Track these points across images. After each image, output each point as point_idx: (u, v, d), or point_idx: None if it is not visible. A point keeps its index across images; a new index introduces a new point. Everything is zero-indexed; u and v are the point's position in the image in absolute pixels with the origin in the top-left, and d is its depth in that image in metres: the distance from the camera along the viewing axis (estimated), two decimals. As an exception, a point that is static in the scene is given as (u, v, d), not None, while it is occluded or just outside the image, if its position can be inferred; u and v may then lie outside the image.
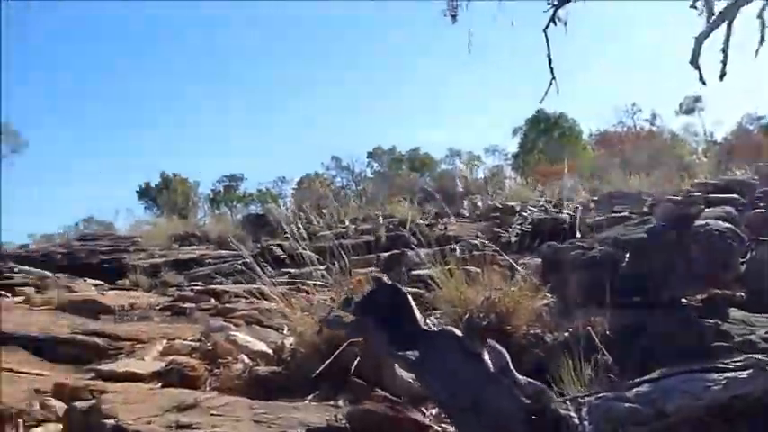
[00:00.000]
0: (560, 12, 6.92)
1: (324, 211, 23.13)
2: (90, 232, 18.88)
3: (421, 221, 16.06)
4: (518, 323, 3.96)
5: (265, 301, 7.70)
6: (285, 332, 5.58)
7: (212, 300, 7.91)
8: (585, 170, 24.72)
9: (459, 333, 2.09)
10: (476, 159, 39.38)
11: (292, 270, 11.38)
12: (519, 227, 5.42)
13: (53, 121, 48.61)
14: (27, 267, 12.11)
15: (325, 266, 11.13)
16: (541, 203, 17.65)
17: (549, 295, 4.33)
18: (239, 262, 12.88)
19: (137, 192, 39.14)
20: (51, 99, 48.89)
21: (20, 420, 3.27)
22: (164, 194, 38.45)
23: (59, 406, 3.44)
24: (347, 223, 19.31)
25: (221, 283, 10.82)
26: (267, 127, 54.47)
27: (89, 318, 6.70)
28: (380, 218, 19.30)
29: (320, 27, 53.87)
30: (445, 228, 12.36)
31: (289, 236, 17.00)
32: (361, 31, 55.28)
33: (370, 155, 35.71)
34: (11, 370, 4.05)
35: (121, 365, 4.23)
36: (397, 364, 2.80)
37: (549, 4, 7.00)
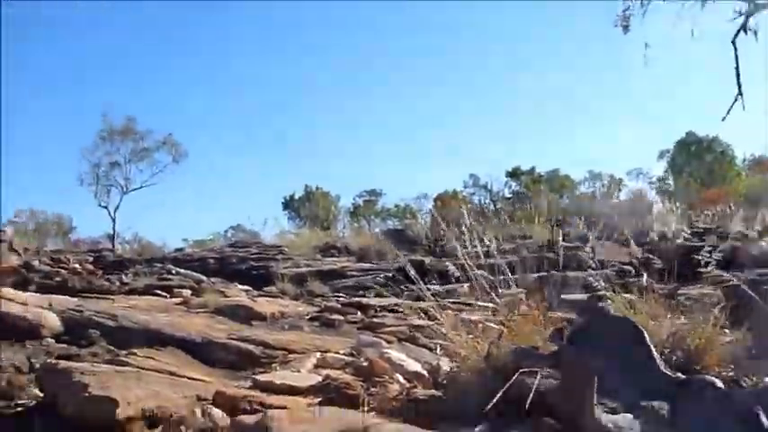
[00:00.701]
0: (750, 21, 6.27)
1: (463, 229, 22.98)
2: (240, 240, 19.41)
3: (565, 243, 15.46)
4: (709, 363, 3.48)
5: (415, 318, 7.51)
6: (438, 352, 5.30)
7: (358, 312, 7.75)
8: (739, 197, 23.12)
9: (721, 385, 1.71)
10: (618, 182, 37.87)
11: (434, 286, 11.20)
12: (708, 255, 4.84)
13: (210, 132, 50.77)
14: (184, 270, 12.52)
15: (468, 283, 10.79)
16: (694, 229, 16.59)
17: (740, 333, 3.82)
18: (381, 276, 12.84)
19: (282, 203, 40.28)
20: (210, 113, 51.18)
21: (182, 427, 3.14)
22: (306, 206, 39.41)
23: (220, 415, 3.30)
24: (487, 242, 18.96)
25: (364, 296, 10.74)
26: (409, 143, 54.65)
27: (242, 323, 6.70)
28: (522, 238, 18.87)
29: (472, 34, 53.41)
30: (593, 251, 11.70)
31: (427, 251, 16.75)
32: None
33: (509, 174, 35.00)
34: (172, 374, 3.98)
35: (279, 377, 4.07)
36: (598, 407, 2.43)
37: (737, 12, 6.36)
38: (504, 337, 3.63)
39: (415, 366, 4.52)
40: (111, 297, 7.73)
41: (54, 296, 6.67)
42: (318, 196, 40.10)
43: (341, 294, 10.85)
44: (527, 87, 53.18)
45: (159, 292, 8.74)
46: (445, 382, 4.20)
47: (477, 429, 3.19)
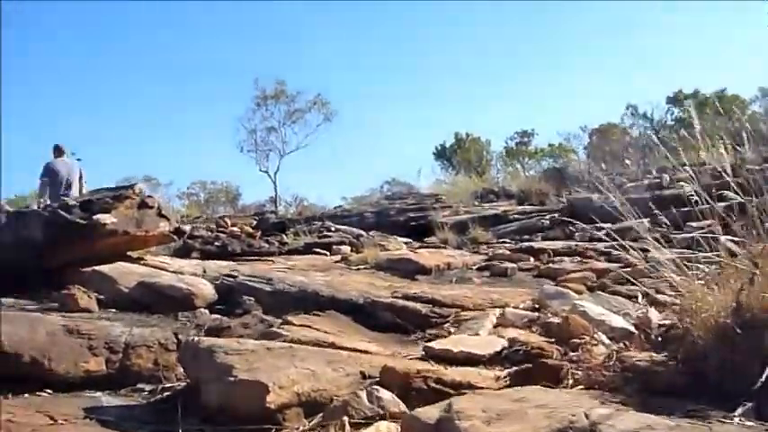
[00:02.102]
0: None
1: (627, 162, 21.18)
2: (397, 191, 18.95)
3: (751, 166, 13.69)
4: None
5: (597, 262, 6.55)
6: (641, 302, 4.37)
7: (531, 259, 6.91)
8: None
9: None
10: (795, 98, 33.88)
11: (606, 225, 10.08)
12: None
13: (358, 93, 50.85)
14: (342, 227, 12.13)
15: (647, 218, 9.54)
16: None
17: None
18: (546, 218, 11.83)
19: (433, 153, 39.59)
20: (354, 68, 51.21)
21: (345, 418, 2.49)
22: (458, 154, 38.50)
23: (390, 397, 2.63)
24: (654, 173, 17.31)
25: (532, 240, 9.83)
26: (555, 79, 52.02)
27: (405, 278, 6.07)
28: (695, 166, 17.02)
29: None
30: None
31: (590, 188, 15.34)
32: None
33: (670, 100, 32.13)
34: (332, 344, 3.36)
35: (455, 343, 3.34)
36: None
37: None
38: (759, 282, 2.68)
39: (618, 321, 3.64)
40: (271, 259, 7.35)
41: (210, 262, 6.34)
42: (469, 143, 39.02)
43: (506, 240, 10.02)
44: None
45: (319, 250, 8.30)
46: (663, 340, 3.32)
47: (739, 412, 2.30)
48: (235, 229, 8.65)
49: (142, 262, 5.21)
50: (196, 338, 3.07)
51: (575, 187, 16.69)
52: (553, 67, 51.78)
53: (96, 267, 4.76)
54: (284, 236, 10.77)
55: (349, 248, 8.02)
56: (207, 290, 4.65)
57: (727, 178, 4.61)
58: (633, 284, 4.84)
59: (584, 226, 10.40)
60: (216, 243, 7.41)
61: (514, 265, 6.29)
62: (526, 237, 10.47)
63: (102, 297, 4.46)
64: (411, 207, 13.74)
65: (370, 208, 14.54)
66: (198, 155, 46.56)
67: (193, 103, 49.94)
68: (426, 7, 51.04)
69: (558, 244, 8.36)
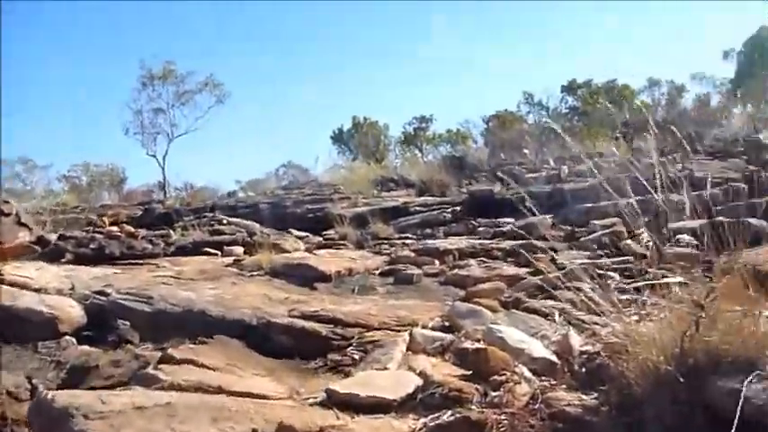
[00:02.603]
0: None
1: (525, 151, 21.34)
2: (292, 182, 18.35)
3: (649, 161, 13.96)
4: None
5: (505, 266, 6.29)
6: (558, 320, 4.08)
7: (436, 262, 6.56)
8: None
9: None
10: (680, 88, 35.41)
11: (508, 220, 9.92)
12: None
13: (253, 75, 49.47)
14: (236, 219, 11.51)
15: (551, 216, 9.43)
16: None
17: None
18: (448, 210, 11.60)
19: (330, 137, 39.06)
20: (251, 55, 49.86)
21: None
22: (355, 138, 38.12)
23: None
24: (552, 164, 17.46)
25: (434, 236, 9.55)
26: (452, 69, 52.49)
27: (304, 286, 5.61)
28: (592, 157, 17.27)
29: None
30: (689, 170, 10.18)
31: (490, 178, 15.28)
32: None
33: (564, 88, 32.83)
34: (220, 389, 2.87)
35: (361, 383, 2.92)
36: None
37: None
38: (703, 324, 2.38)
39: (539, 349, 3.31)
40: (155, 262, 6.70)
41: (84, 269, 5.66)
42: (367, 127, 38.70)
43: (408, 235, 9.69)
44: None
45: (209, 250, 7.68)
46: (588, 374, 3.02)
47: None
48: (113, 228, 7.89)
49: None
50: (50, 394, 2.50)
51: (475, 177, 16.66)
52: (451, 53, 52.25)
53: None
54: (171, 231, 10.05)
55: (242, 249, 7.45)
56: (74, 313, 4.03)
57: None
58: (548, 298, 4.59)
59: (487, 221, 10.30)
60: (91, 245, 6.66)
61: (419, 271, 5.93)
62: (428, 231, 10.18)
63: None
64: (308, 198, 13.23)
65: (265, 199, 13.91)
66: (81, 137, 44.08)
67: (77, 83, 47.25)
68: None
69: (463, 243, 8.09)
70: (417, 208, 12.00)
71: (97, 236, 6.95)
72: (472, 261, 6.56)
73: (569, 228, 8.24)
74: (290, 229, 11.12)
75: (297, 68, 51.10)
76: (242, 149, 44.63)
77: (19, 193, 28.90)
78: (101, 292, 4.44)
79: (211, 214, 12.48)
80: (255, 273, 6.02)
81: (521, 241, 7.62)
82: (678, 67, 60.74)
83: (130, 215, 14.39)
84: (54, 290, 4.52)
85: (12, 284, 4.41)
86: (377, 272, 6.28)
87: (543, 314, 4.22)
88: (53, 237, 4.72)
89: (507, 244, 7.54)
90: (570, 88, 33.06)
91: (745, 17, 48.27)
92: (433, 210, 11.75)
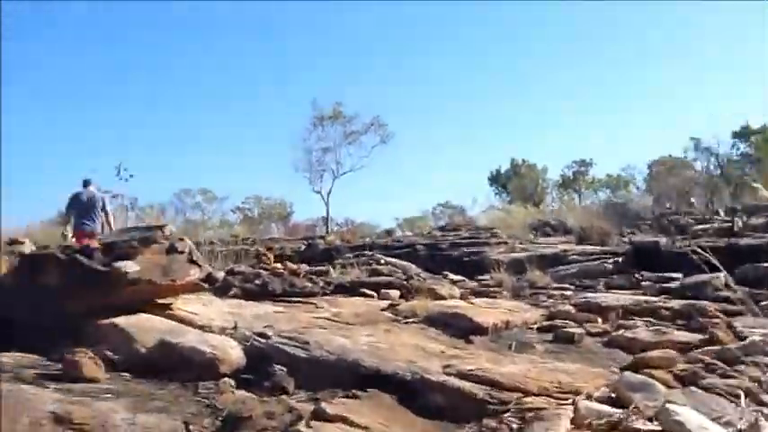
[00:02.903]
0: None
1: (693, 200, 20.05)
2: (449, 223, 18.25)
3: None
4: None
5: (675, 331, 5.75)
6: (744, 403, 3.60)
7: (599, 320, 6.14)
8: None
9: None
10: None
11: (676, 274, 9.20)
12: None
13: (414, 115, 50.50)
14: (393, 259, 11.55)
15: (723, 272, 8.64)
16: None
17: None
18: (609, 261, 10.98)
19: (488, 178, 38.86)
20: (411, 94, 50.95)
21: None
22: (513, 180, 37.64)
23: None
24: (723, 215, 16.16)
25: (593, 288, 9.04)
26: (613, 112, 50.72)
27: (459, 338, 5.40)
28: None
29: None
30: None
31: (655, 227, 14.34)
32: None
33: (736, 134, 30.69)
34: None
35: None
36: None
37: None
38: None
39: (726, 441, 2.91)
40: (313, 301, 6.75)
41: (247, 306, 5.78)
42: (525, 169, 38.17)
43: (566, 285, 9.25)
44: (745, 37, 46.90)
45: (366, 291, 7.69)
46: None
47: None
48: (277, 265, 8.08)
49: (168, 312, 4.65)
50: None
51: (637, 225, 15.78)
52: (613, 96, 50.58)
53: (115, 320, 4.21)
54: (331, 268, 10.21)
55: (398, 293, 7.37)
56: (234, 354, 4.06)
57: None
58: (727, 376, 4.10)
59: (651, 275, 9.60)
60: (256, 281, 6.86)
61: (581, 330, 5.55)
62: (587, 282, 9.69)
63: (116, 357, 3.92)
64: (465, 241, 13.05)
65: (421, 239, 13.88)
66: (253, 171, 46.78)
67: (253, 120, 50.35)
68: (486, 25, 50.48)
69: (626, 297, 7.57)
70: (576, 257, 11.50)
71: (262, 272, 7.13)
72: (638, 321, 6.08)
73: (746, 289, 7.48)
74: (446, 272, 10.98)
75: (456, 108, 51.53)
76: (401, 187, 45.44)
77: (197, 222, 30.94)
78: (261, 334, 4.46)
79: (370, 253, 12.61)
80: (411, 320, 5.89)
81: (691, 301, 7.03)
82: None
83: (294, 249, 14.90)
84: (217, 328, 4.61)
85: (180, 320, 4.55)
86: (534, 326, 5.97)
87: (724, 394, 3.74)
88: (221, 274, 4.84)
89: (676, 303, 6.96)
90: (742, 134, 30.87)
91: None
92: (593, 259, 11.19)
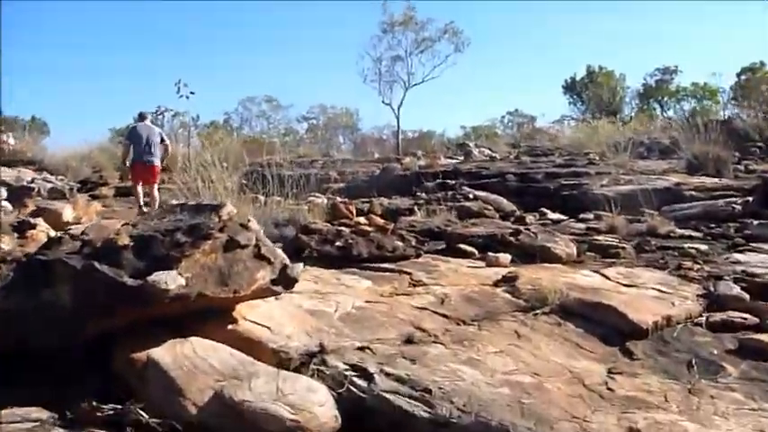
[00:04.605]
0: None
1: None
2: (538, 145, 16.38)
3: None
4: None
5: None
6: None
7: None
8: None
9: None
10: None
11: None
12: None
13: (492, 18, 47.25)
14: (482, 193, 9.99)
15: None
16: None
17: None
18: (737, 201, 9.18)
19: (562, 86, 36.13)
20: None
21: None
22: (589, 88, 34.89)
23: None
24: None
25: (729, 239, 7.33)
26: (700, 14, 46.19)
27: (612, 344, 3.96)
28: None
29: None
30: None
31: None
32: None
33: None
34: None
35: None
36: None
37: None
38: None
39: None
40: (409, 269, 5.36)
41: (328, 294, 4.37)
42: (602, 77, 35.24)
43: (696, 234, 7.60)
44: None
45: (466, 248, 6.24)
46: None
47: None
48: (361, 220, 6.65)
49: (229, 326, 3.28)
50: None
51: (746, 149, 13.68)
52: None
53: (153, 352, 2.86)
54: (416, 208, 8.77)
55: (508, 257, 5.87)
56: (324, 416, 2.67)
57: None
58: None
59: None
60: (337, 243, 5.48)
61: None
62: (714, 227, 7.98)
63: (158, 423, 2.59)
64: (561, 171, 11.32)
65: (511, 167, 12.19)
66: (320, 81, 44.87)
67: (319, 25, 48.02)
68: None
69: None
70: (694, 193, 9.70)
71: (344, 230, 5.72)
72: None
73: None
74: (544, 209, 9.44)
75: (530, 12, 48.08)
76: (469, 95, 43.07)
77: (263, 132, 29.68)
78: (360, 370, 3.06)
79: (454, 182, 11.08)
80: (539, 309, 4.41)
81: None
82: None
83: (368, 173, 13.46)
84: (298, 352, 3.21)
85: (244, 341, 3.17)
86: (702, 322, 4.40)
87: None
88: (299, 269, 3.38)
89: None
90: None
91: None
92: (716, 197, 9.39)
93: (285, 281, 3.35)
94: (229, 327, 3.29)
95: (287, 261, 3.47)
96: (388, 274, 5.28)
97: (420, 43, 24.58)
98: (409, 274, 5.28)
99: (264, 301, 3.62)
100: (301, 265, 3.61)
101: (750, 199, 8.89)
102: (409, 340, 3.62)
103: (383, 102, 25.42)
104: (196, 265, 3.03)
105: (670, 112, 30.71)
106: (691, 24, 46.41)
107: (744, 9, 43.97)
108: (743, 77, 29.50)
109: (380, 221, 6.59)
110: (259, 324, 3.40)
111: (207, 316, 3.27)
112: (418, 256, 5.87)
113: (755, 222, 7.84)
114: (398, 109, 25.17)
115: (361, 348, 3.37)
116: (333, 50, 50.44)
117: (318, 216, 6.99)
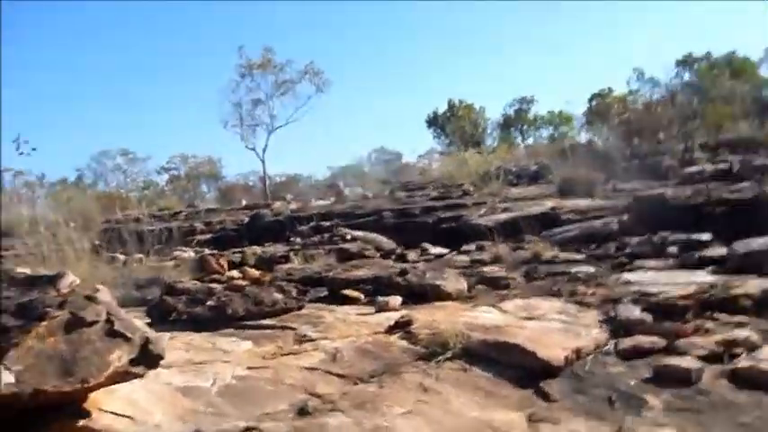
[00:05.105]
0: None
1: (661, 136, 18.59)
2: (410, 180, 16.32)
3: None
4: None
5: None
6: None
7: (686, 328, 4.44)
8: None
9: None
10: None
11: (705, 236, 7.60)
12: None
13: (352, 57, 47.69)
14: (359, 233, 9.65)
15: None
16: None
17: None
18: (614, 221, 9.34)
19: (425, 122, 37.03)
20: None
21: None
22: (451, 121, 35.94)
23: None
24: (699, 153, 14.71)
25: (613, 259, 7.38)
26: (552, 46, 48.92)
27: (524, 387, 3.65)
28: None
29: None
30: None
31: (634, 174, 12.57)
32: None
33: (679, 63, 29.53)
34: None
35: None
36: None
37: None
38: None
39: None
40: (292, 325, 4.87)
41: (203, 364, 3.80)
42: (463, 110, 36.45)
43: (579, 258, 7.60)
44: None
45: (351, 293, 5.84)
46: None
47: None
48: (234, 273, 6.09)
49: (81, 421, 2.68)
50: None
51: (612, 170, 14.23)
52: (553, 33, 49.01)
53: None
54: (293, 254, 8.29)
55: (399, 299, 5.51)
56: None
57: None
58: None
59: (676, 238, 8.02)
60: (209, 302, 4.90)
61: (697, 364, 3.80)
62: (595, 248, 8.06)
63: None
64: (439, 204, 11.20)
65: (387, 203, 11.96)
66: (180, 130, 43.48)
67: (175, 75, 46.72)
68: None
69: (675, 277, 5.98)
70: (571, 215, 9.82)
71: (216, 287, 5.16)
72: (723, 319, 4.45)
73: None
74: (424, 244, 9.23)
75: (389, 52, 49.12)
76: (333, 133, 43.17)
77: (119, 186, 28.13)
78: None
79: (329, 222, 10.68)
80: (442, 356, 4.06)
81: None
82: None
83: (236, 221, 12.82)
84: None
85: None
86: (611, 350, 4.22)
87: None
88: (163, 342, 2.82)
89: (752, 286, 5.33)
90: (686, 62, 29.76)
91: None
92: (592, 218, 9.55)
93: (148, 359, 2.78)
94: (81, 423, 2.67)
95: (149, 333, 2.91)
96: (269, 331, 4.76)
97: (280, 85, 24.28)
98: (293, 329, 4.79)
99: (124, 390, 3.03)
100: (167, 335, 3.08)
101: (625, 217, 9.09)
102: (303, 411, 3.14)
103: (247, 147, 24.82)
104: (29, 354, 2.42)
105: (530, 140, 32.09)
106: (544, 56, 49.00)
107: (591, 40, 47.05)
108: (593, 103, 31.34)
109: (256, 273, 6.06)
110: (119, 415, 2.80)
111: (51, 413, 2.65)
112: (301, 307, 5.39)
113: (634, 240, 7.96)
114: (263, 153, 24.66)
115: (248, 429, 2.85)
116: (191, 99, 49.04)
117: (186, 273, 6.37)
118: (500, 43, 48.61)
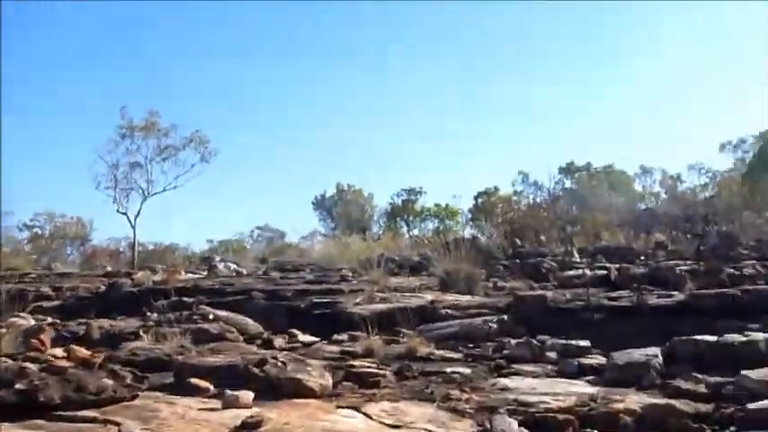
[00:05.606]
0: None
1: (542, 238, 19.03)
2: (288, 260, 15.70)
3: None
4: None
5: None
6: None
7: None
8: None
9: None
10: (674, 178, 33.87)
11: (583, 343, 7.44)
12: None
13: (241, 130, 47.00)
14: (224, 314, 8.91)
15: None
16: None
17: None
18: (494, 320, 9.11)
19: (312, 203, 36.72)
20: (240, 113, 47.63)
21: None
22: (338, 206, 35.84)
23: None
24: (578, 258, 15.01)
25: (487, 357, 7.08)
26: (447, 141, 50.36)
27: None
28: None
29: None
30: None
31: (516, 274, 12.58)
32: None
33: (562, 170, 30.96)
34: None
35: None
36: None
37: None
38: None
39: None
40: (116, 419, 4.11)
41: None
42: (351, 195, 36.47)
43: (457, 357, 7.26)
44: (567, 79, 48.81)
45: (199, 384, 5.14)
46: None
47: None
48: (57, 352, 5.25)
49: None
50: None
51: (495, 267, 14.23)
52: (443, 132, 50.65)
53: None
54: (142, 332, 7.47)
55: (251, 394, 4.86)
56: None
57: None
58: None
59: (555, 342, 7.83)
60: (17, 385, 4.08)
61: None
62: (473, 347, 7.74)
63: None
64: (314, 288, 10.64)
65: (259, 283, 11.27)
66: (49, 186, 40.99)
67: (49, 129, 44.53)
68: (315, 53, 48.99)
69: (553, 385, 5.69)
70: (450, 311, 9.51)
71: (29, 367, 4.34)
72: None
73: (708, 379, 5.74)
74: (294, 331, 8.64)
75: (278, 133, 49.11)
76: (217, 207, 42.01)
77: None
78: None
79: (192, 299, 9.87)
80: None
81: (655, 400, 5.23)
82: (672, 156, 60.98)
83: (91, 289, 11.74)
84: None
85: None
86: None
87: None
88: None
89: (633, 401, 5.08)
90: (568, 170, 31.26)
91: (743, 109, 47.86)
92: (471, 315, 9.27)
93: None
94: None
95: None
96: (86, 425, 4.00)
97: (163, 150, 23.34)
98: (117, 424, 4.04)
99: None
100: None
101: (505, 317, 8.86)
102: None
103: (118, 210, 23.49)
104: None
105: (415, 231, 32.29)
106: (433, 145, 50.32)
107: (479, 139, 48.91)
108: (480, 200, 32.16)
109: (85, 353, 5.23)
110: None
111: None
112: (134, 397, 4.63)
113: (513, 342, 7.68)
114: (135, 219, 23.40)
115: None
116: (65, 154, 46.58)
117: (9, 346, 5.45)
118: (393, 130, 49.45)
